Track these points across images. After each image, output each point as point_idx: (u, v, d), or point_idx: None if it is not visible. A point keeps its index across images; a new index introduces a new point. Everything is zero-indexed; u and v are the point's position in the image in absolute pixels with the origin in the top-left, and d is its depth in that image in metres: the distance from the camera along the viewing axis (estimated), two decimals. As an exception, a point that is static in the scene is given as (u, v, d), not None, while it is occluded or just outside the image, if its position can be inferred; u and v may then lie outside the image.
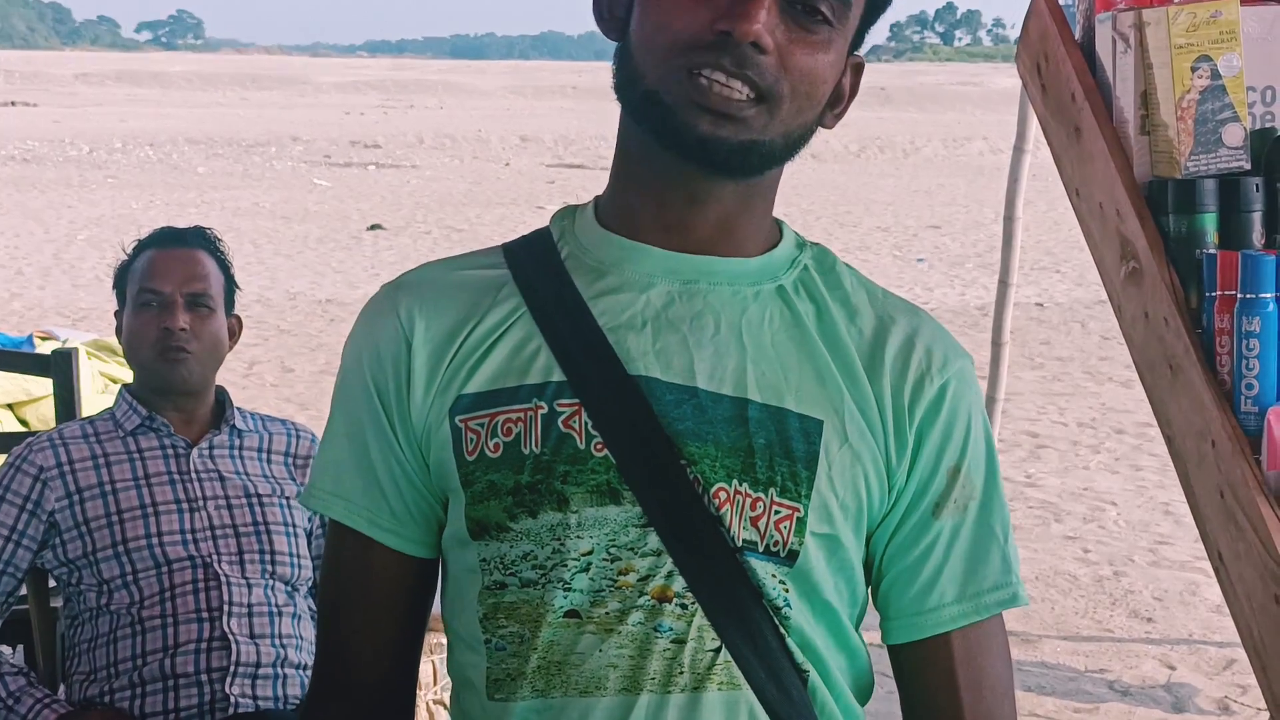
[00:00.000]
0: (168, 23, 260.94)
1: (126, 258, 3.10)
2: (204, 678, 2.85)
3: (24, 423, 5.85)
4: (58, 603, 3.11)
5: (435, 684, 3.45)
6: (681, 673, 1.45)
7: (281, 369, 10.60)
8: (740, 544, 1.45)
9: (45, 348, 6.00)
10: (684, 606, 1.45)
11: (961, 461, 1.54)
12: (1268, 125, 2.73)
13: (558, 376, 1.48)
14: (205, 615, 2.88)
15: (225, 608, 2.89)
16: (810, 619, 1.49)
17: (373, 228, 18.81)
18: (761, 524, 1.46)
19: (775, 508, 1.46)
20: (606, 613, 1.45)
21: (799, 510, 1.46)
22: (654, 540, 1.45)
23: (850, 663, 1.55)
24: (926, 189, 25.04)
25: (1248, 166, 2.64)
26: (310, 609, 3.04)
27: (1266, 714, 2.53)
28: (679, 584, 1.45)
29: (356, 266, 15.67)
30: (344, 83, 65.65)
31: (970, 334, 11.38)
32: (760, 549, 1.46)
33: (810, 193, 23.27)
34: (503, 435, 1.47)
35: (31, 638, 3.19)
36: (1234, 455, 2.45)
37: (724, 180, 1.48)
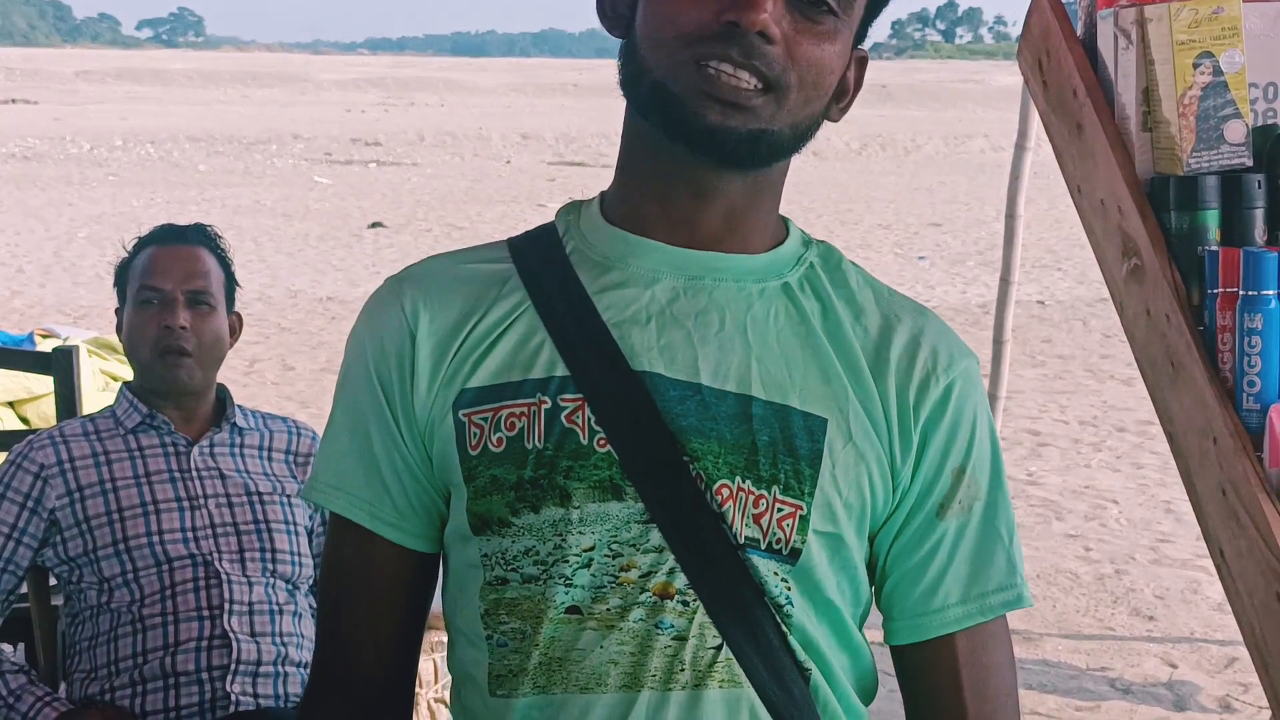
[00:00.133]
0: (168, 20, 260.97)
1: (127, 255, 3.10)
2: (205, 676, 2.84)
3: (25, 420, 5.85)
4: (58, 600, 3.11)
5: (436, 682, 3.45)
6: (682, 670, 1.45)
7: (282, 367, 10.60)
8: (742, 541, 1.45)
9: (46, 345, 5.99)
10: (685, 603, 1.45)
11: (966, 462, 1.53)
12: (1269, 122, 2.72)
13: (561, 371, 1.47)
14: (206, 613, 2.88)
15: (226, 606, 2.89)
16: (812, 617, 1.49)
17: (373, 225, 18.81)
18: (764, 521, 1.45)
19: (778, 505, 1.46)
20: (608, 609, 1.45)
21: (802, 508, 1.46)
22: (656, 537, 1.44)
23: (853, 662, 1.55)
24: (928, 186, 25.04)
25: (1249, 163, 2.63)
26: (311, 607, 3.04)
27: (1268, 712, 2.53)
28: (681, 581, 1.44)
29: (357, 264, 15.67)
30: (345, 80, 65.67)
31: (972, 332, 11.38)
32: (763, 546, 1.45)
33: (811, 190, 23.26)
34: (506, 430, 1.47)
35: (32, 635, 3.19)
36: (1236, 453, 2.44)
37: (732, 173, 1.48)
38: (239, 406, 3.13)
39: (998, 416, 5.56)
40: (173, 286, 2.99)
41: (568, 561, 1.45)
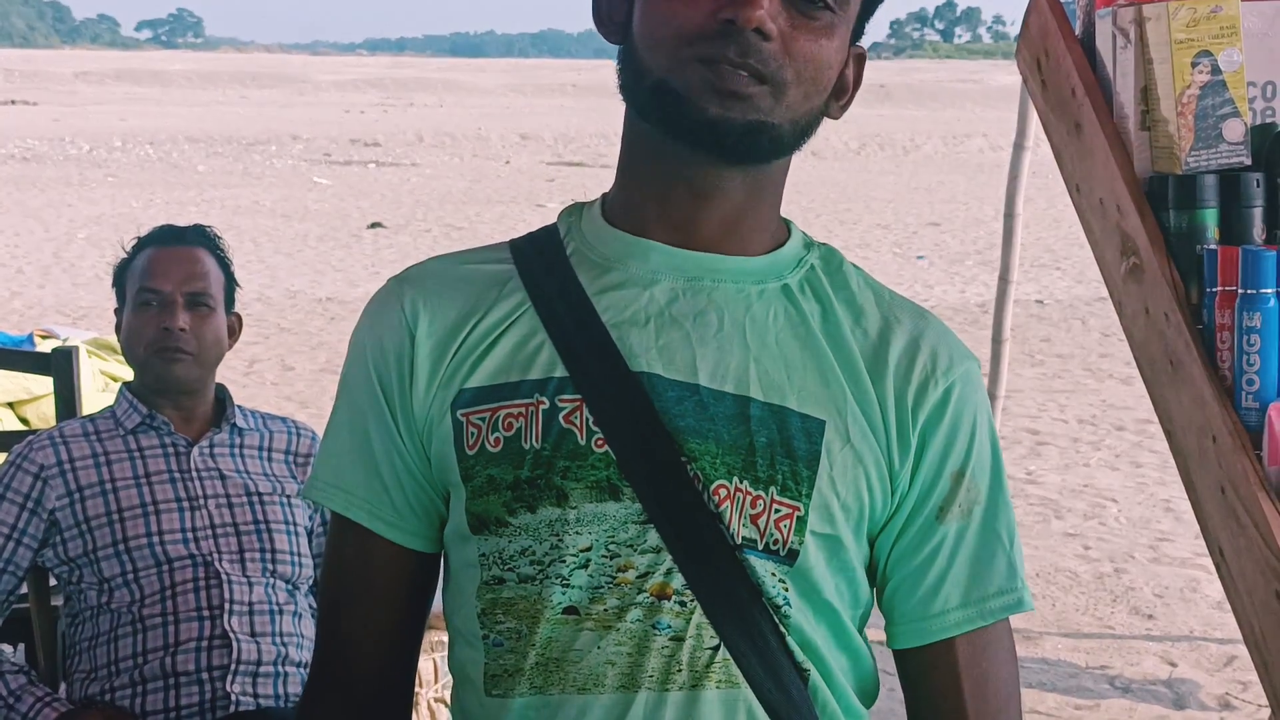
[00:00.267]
0: (167, 21, 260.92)
1: (126, 256, 3.10)
2: (205, 676, 2.84)
3: (24, 421, 5.85)
4: (58, 601, 3.11)
5: (436, 681, 3.45)
6: (680, 670, 1.45)
7: (282, 367, 10.60)
8: (740, 541, 1.45)
9: (45, 346, 5.99)
10: (683, 604, 1.44)
11: (966, 465, 1.53)
12: (1268, 121, 2.72)
13: (560, 372, 1.48)
14: (206, 613, 2.88)
15: (226, 606, 2.89)
16: (810, 619, 1.49)
17: (373, 226, 18.81)
18: (761, 522, 1.45)
19: (775, 506, 1.45)
20: (605, 609, 1.45)
21: (799, 509, 1.46)
22: (653, 537, 1.44)
23: (853, 664, 1.55)
24: (926, 186, 25.04)
25: (1248, 162, 2.63)
26: (311, 607, 3.04)
27: (1268, 710, 2.53)
28: (678, 581, 1.44)
29: (356, 265, 15.67)
30: (344, 81, 65.67)
31: (970, 331, 11.38)
32: (760, 547, 1.45)
33: (810, 190, 23.26)
34: (503, 430, 1.47)
35: (32, 636, 3.19)
36: (1235, 451, 2.44)
37: (733, 170, 1.48)
38: (239, 407, 3.13)
39: (997, 415, 5.56)
40: (172, 288, 2.99)
41: (565, 562, 1.45)
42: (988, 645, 1.55)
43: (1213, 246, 2.57)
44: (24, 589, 3.05)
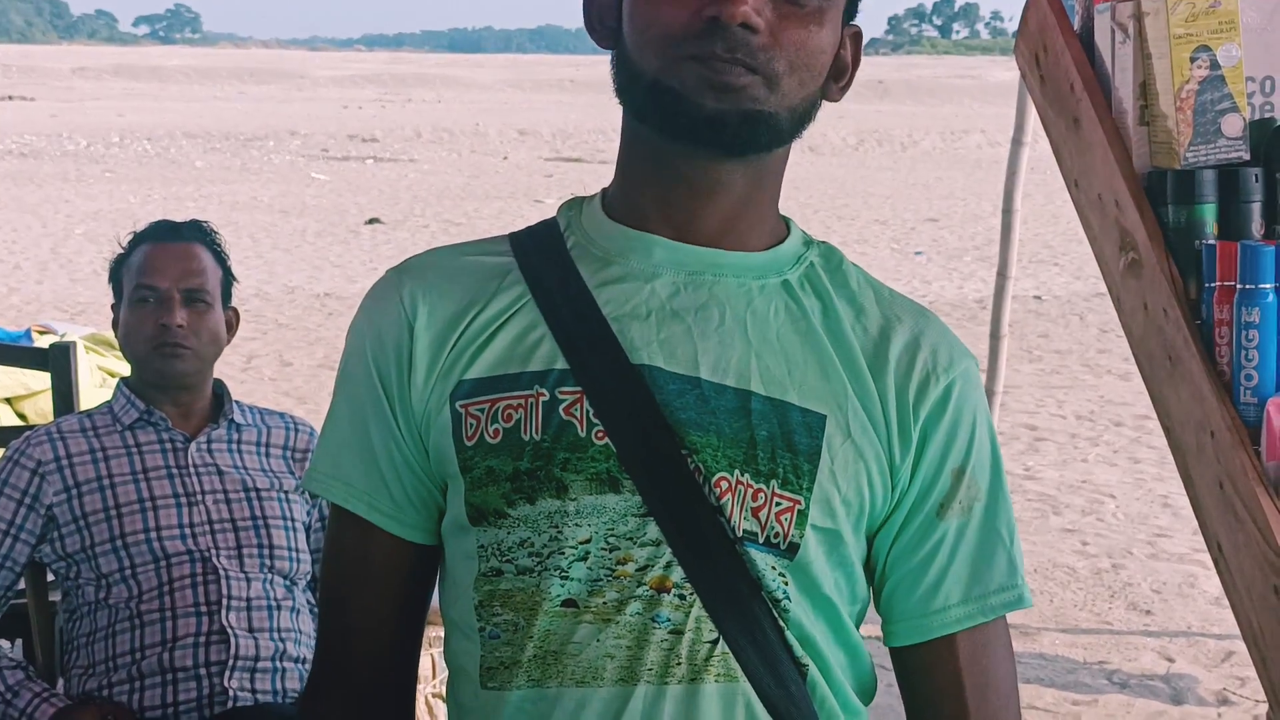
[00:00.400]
0: (165, 17, 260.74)
1: (122, 251, 3.09)
2: (202, 671, 2.84)
3: (22, 417, 5.85)
4: (56, 596, 3.11)
5: (434, 677, 3.46)
6: (679, 664, 1.44)
7: (280, 363, 10.60)
8: (740, 535, 1.45)
9: (43, 342, 5.99)
10: (682, 597, 1.44)
11: (966, 463, 1.53)
12: (1267, 115, 2.72)
13: (560, 364, 1.47)
14: (204, 609, 2.88)
15: (224, 602, 2.89)
16: (810, 613, 1.49)
17: (371, 221, 18.81)
18: (762, 515, 1.45)
19: (776, 499, 1.45)
20: (604, 602, 1.44)
21: (800, 502, 1.46)
22: (653, 530, 1.44)
23: (851, 660, 1.54)
24: (924, 182, 25.04)
25: (1247, 157, 2.63)
26: (309, 602, 3.04)
27: (1265, 705, 2.53)
28: (678, 574, 1.44)
29: (354, 260, 15.67)
30: (341, 76, 65.67)
31: (968, 327, 11.38)
32: (760, 540, 1.45)
33: (808, 186, 23.26)
34: (503, 421, 1.47)
35: (30, 632, 3.20)
36: (1233, 446, 2.44)
37: (732, 163, 1.47)
38: (236, 402, 3.13)
39: (995, 411, 5.57)
40: (169, 285, 2.99)
41: (564, 554, 1.45)
42: (988, 642, 1.55)
43: (1211, 242, 2.57)
44: (21, 584, 3.05)
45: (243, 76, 65.89)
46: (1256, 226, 2.62)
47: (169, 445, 3.01)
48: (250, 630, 2.89)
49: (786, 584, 1.47)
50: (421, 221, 19.00)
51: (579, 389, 1.46)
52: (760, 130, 1.45)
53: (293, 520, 3.03)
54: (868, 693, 1.58)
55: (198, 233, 3.10)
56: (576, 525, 1.45)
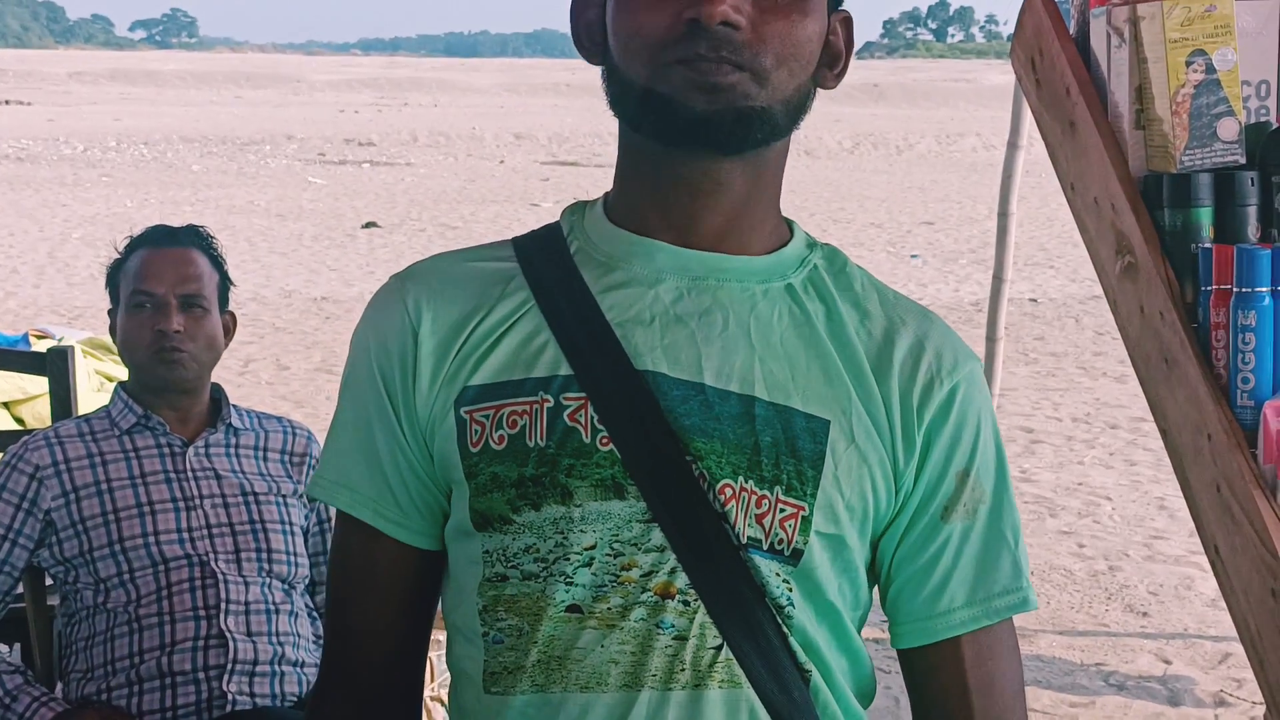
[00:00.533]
0: (161, 21, 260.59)
1: (119, 256, 3.09)
2: (201, 675, 2.84)
3: (20, 421, 5.85)
4: (54, 601, 3.11)
5: (433, 680, 3.46)
6: (683, 670, 1.45)
7: (277, 367, 10.59)
8: (745, 541, 1.45)
9: (41, 346, 5.99)
10: (686, 603, 1.44)
11: (971, 465, 1.53)
12: (1263, 119, 2.73)
13: (565, 370, 1.47)
14: (202, 613, 2.88)
15: (222, 605, 2.89)
16: (813, 619, 1.49)
17: (367, 225, 18.80)
18: (766, 522, 1.45)
19: (780, 506, 1.45)
20: (609, 608, 1.45)
21: (804, 509, 1.46)
22: (658, 536, 1.44)
23: (852, 665, 1.55)
24: (920, 185, 25.05)
25: (1243, 160, 2.64)
26: (307, 606, 3.04)
27: (1262, 707, 2.54)
28: (682, 580, 1.44)
29: (351, 264, 15.66)
30: (338, 80, 65.64)
31: (964, 330, 11.38)
32: (764, 547, 1.45)
33: (804, 189, 23.27)
34: (508, 427, 1.47)
35: (28, 636, 3.19)
36: (1230, 449, 2.45)
37: (731, 162, 1.47)
38: (234, 407, 3.13)
39: (992, 414, 5.56)
40: (166, 290, 2.99)
41: (569, 560, 1.45)
42: (993, 644, 1.55)
43: (1207, 245, 2.58)
44: (20, 589, 3.05)
45: (239, 81, 65.85)
46: (1252, 230, 2.62)
47: (167, 450, 3.01)
48: (249, 634, 2.89)
49: (790, 590, 1.47)
50: (418, 225, 19.00)
51: (583, 395, 1.46)
52: (755, 126, 1.44)
53: (291, 524, 3.04)
54: (867, 696, 1.58)
55: (195, 238, 3.10)
56: (581, 531, 1.45)
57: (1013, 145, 5.54)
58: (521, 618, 1.47)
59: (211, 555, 2.92)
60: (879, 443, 1.49)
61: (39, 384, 5.48)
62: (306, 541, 3.08)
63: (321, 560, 3.10)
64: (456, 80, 66.12)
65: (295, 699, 2.90)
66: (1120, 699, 5.10)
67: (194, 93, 58.95)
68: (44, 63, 76.51)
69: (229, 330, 3.12)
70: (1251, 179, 2.62)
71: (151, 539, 2.91)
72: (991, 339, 5.67)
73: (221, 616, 2.88)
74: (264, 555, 2.97)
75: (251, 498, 3.01)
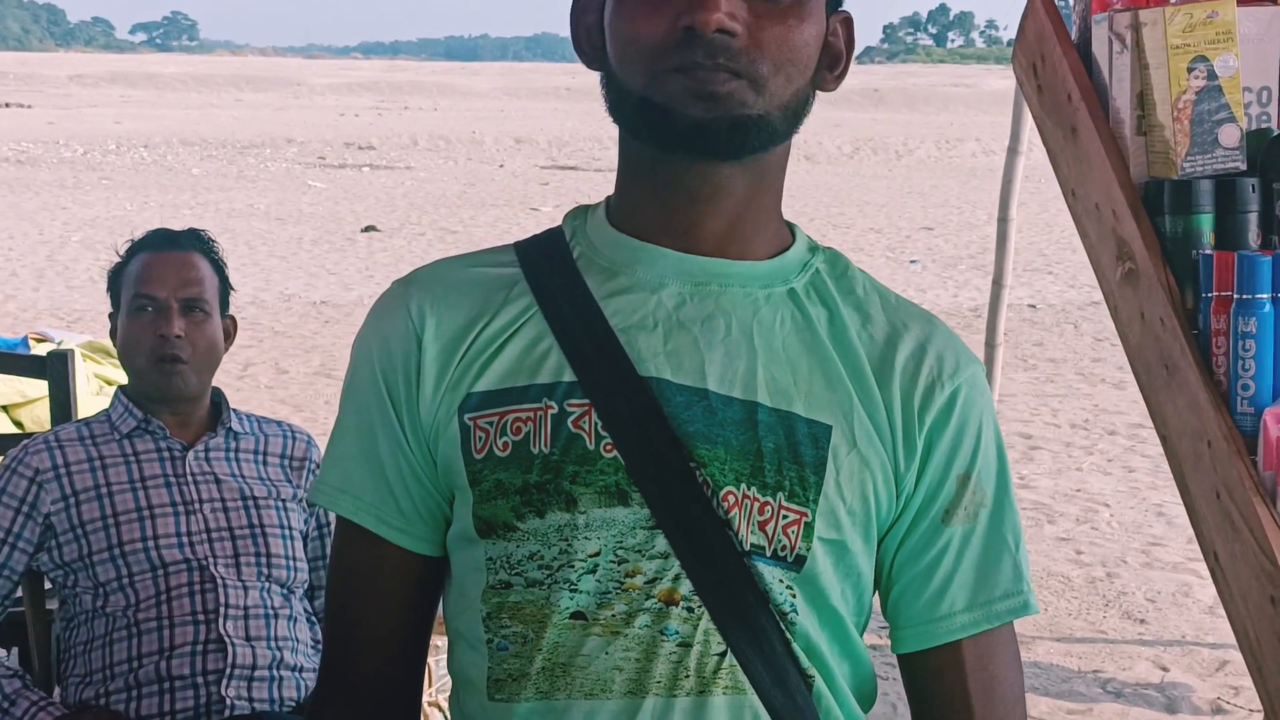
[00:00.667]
0: (162, 24, 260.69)
1: (120, 260, 3.09)
2: (200, 680, 2.84)
3: (19, 425, 5.85)
4: (53, 605, 3.11)
5: (431, 685, 3.46)
6: (687, 676, 1.45)
7: (276, 371, 10.58)
8: (748, 548, 1.45)
9: (40, 349, 5.99)
10: (690, 610, 1.44)
11: (972, 469, 1.53)
12: (1264, 126, 2.73)
13: (568, 377, 1.47)
14: (201, 618, 2.87)
15: (221, 610, 2.88)
16: (816, 625, 1.49)
17: (367, 229, 18.80)
18: (769, 528, 1.45)
19: (783, 512, 1.45)
20: (613, 615, 1.44)
21: (807, 515, 1.46)
22: (662, 543, 1.44)
23: (854, 670, 1.55)
24: (920, 190, 25.05)
25: (1244, 167, 2.64)
26: (306, 611, 3.04)
27: (1260, 715, 2.53)
28: (686, 587, 1.44)
29: (351, 268, 15.65)
30: (338, 84, 65.69)
31: (964, 335, 11.16)
32: (768, 553, 1.45)
33: (804, 194, 23.27)
34: (512, 434, 1.47)
35: (27, 640, 3.19)
36: (1230, 456, 2.45)
37: (731, 167, 1.47)
38: (234, 411, 3.12)
39: (991, 420, 5.56)
40: (167, 294, 2.99)
41: (573, 567, 1.45)
42: (994, 648, 1.55)
43: (1208, 252, 2.58)
44: (19, 592, 3.04)
45: (239, 84, 65.90)
46: (1253, 236, 2.63)
47: (167, 454, 3.01)
48: (247, 639, 2.89)
49: (794, 596, 1.47)
50: (418, 229, 18.99)
51: (587, 401, 1.46)
52: (752, 134, 1.44)
53: (290, 529, 3.03)
54: (869, 700, 1.58)
55: (196, 241, 3.10)
56: (585, 538, 1.45)
57: (1013, 151, 5.55)
58: (526, 624, 1.47)
59: (211, 560, 2.92)
60: (880, 447, 1.49)
61: (38, 387, 5.48)
62: (306, 546, 3.07)
63: (321, 565, 3.10)
64: (457, 84, 66.18)
65: (294, 704, 2.90)
66: (1118, 706, 5.10)
67: (194, 96, 59.00)
68: (44, 65, 76.57)
69: (229, 334, 3.12)
70: (1252, 185, 2.62)
71: (151, 543, 2.90)
72: (990, 345, 5.67)
73: (220, 621, 2.88)
74: (263, 560, 2.96)
75: (251, 502, 3.00)
